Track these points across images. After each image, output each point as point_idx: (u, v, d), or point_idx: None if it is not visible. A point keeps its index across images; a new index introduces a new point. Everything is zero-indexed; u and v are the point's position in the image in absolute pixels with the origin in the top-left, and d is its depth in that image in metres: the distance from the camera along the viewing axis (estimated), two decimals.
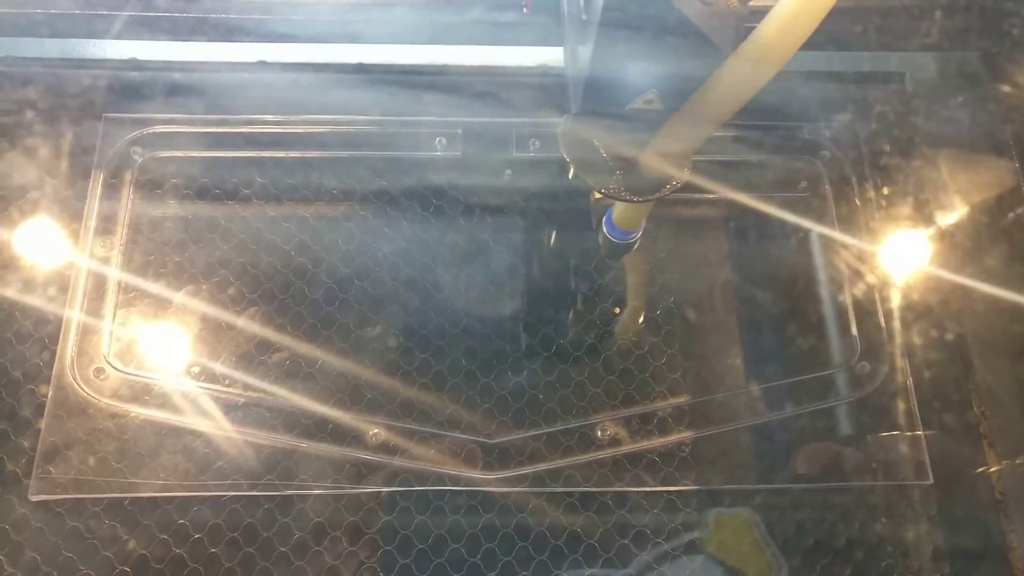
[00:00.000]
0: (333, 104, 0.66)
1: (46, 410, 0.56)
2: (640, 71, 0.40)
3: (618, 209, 0.55)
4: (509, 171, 0.66)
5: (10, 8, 0.64)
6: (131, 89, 0.66)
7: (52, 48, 0.65)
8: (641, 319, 0.62)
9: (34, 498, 0.54)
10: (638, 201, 0.48)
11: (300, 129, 0.66)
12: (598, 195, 0.56)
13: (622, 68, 0.40)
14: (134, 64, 0.65)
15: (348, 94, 0.66)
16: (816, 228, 0.65)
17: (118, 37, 0.64)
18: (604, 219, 0.56)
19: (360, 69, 0.66)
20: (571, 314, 0.62)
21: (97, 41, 0.65)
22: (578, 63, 0.42)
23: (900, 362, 0.60)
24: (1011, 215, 0.60)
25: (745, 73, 0.38)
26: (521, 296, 0.63)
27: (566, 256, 0.65)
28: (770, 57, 0.37)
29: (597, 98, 0.42)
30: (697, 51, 0.38)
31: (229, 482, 0.55)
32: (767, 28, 0.36)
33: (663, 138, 0.44)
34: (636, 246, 0.58)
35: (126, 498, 0.54)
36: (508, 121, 0.66)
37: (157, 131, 0.65)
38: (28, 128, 0.64)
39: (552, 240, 0.66)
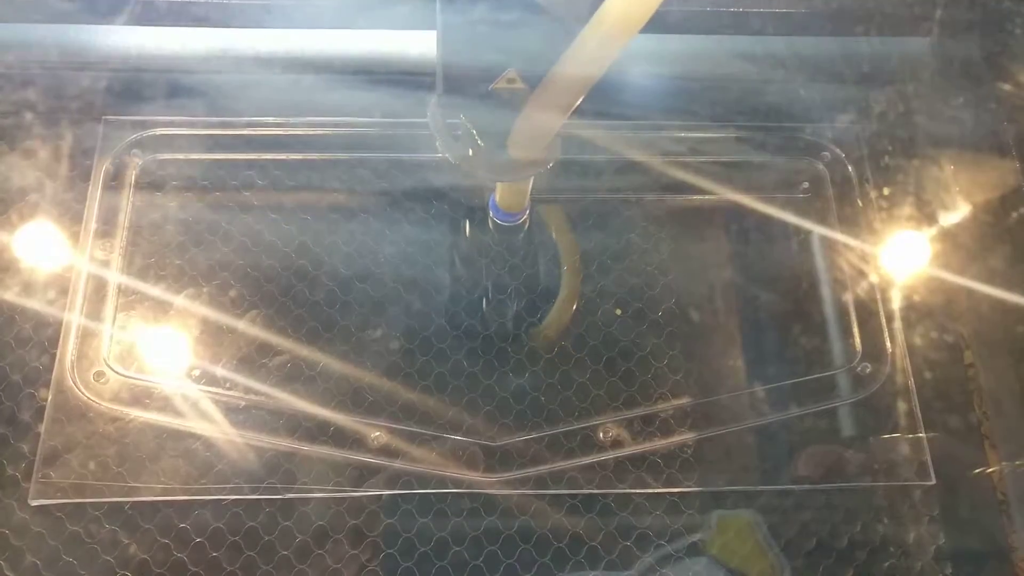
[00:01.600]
0: (334, 106, 0.66)
1: (46, 414, 0.55)
2: (494, 50, 0.40)
3: (499, 191, 0.54)
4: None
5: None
6: (131, 91, 0.65)
7: (52, 49, 0.65)
8: (573, 308, 0.62)
9: (34, 502, 0.53)
10: (508, 180, 0.48)
11: (301, 131, 0.66)
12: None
13: (476, 47, 0.40)
14: (134, 66, 0.65)
15: (349, 95, 0.66)
16: (817, 229, 0.65)
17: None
18: (490, 200, 0.56)
19: (361, 70, 0.66)
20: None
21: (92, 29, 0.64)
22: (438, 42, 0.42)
23: (902, 363, 0.60)
24: (1014, 215, 0.60)
25: (594, 50, 0.38)
26: (521, 297, 0.62)
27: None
28: (617, 33, 0.36)
29: (459, 78, 0.42)
30: (548, 28, 0.37)
31: (230, 486, 0.55)
32: (613, 4, 0.36)
33: (524, 119, 0.44)
34: (526, 227, 0.58)
35: (127, 502, 0.54)
36: None
37: (157, 133, 0.64)
38: (27, 130, 0.64)
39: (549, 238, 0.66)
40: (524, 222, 0.57)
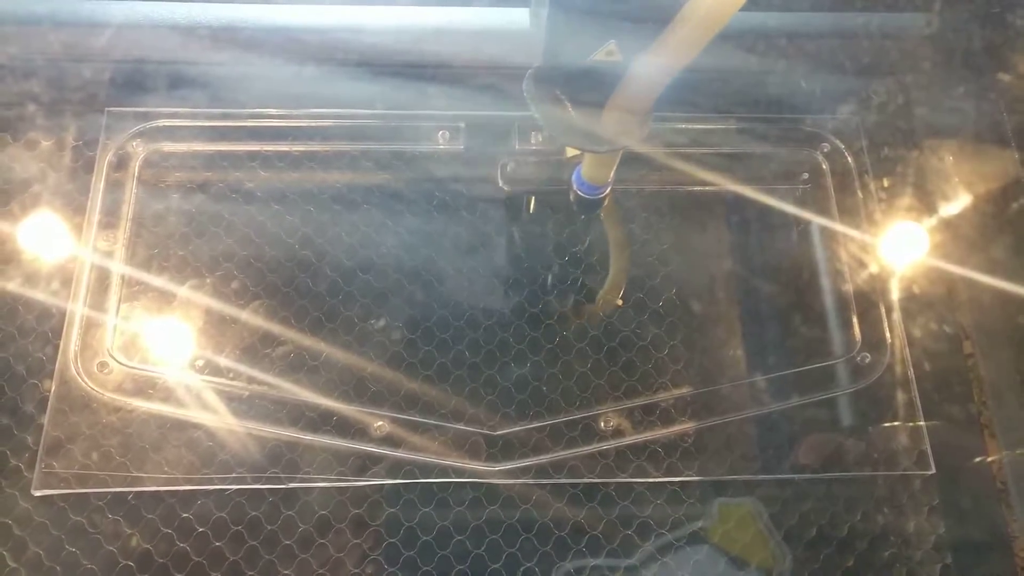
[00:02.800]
0: (335, 97, 0.66)
1: (49, 404, 0.55)
2: (598, 22, 0.40)
3: (586, 163, 0.55)
4: (511, 163, 0.66)
5: None
6: (133, 82, 0.65)
7: (55, 40, 0.65)
8: (623, 287, 0.62)
9: (37, 493, 0.53)
10: (603, 152, 0.49)
11: (303, 123, 0.66)
12: (572, 152, 0.57)
13: (580, 20, 0.40)
14: (135, 56, 0.65)
15: (351, 87, 0.66)
16: (817, 219, 0.65)
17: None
18: (573, 175, 0.57)
19: (361, 62, 0.66)
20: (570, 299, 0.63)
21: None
22: (539, 16, 0.43)
23: (901, 353, 0.61)
24: (1014, 206, 0.60)
25: (694, 26, 0.39)
26: (523, 287, 0.63)
27: (567, 245, 0.65)
28: (719, 8, 0.37)
29: (558, 51, 0.43)
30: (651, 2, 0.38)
31: (233, 475, 0.55)
32: None
33: (622, 91, 0.44)
34: (606, 202, 0.58)
35: (130, 492, 0.54)
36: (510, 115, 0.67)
37: (160, 125, 0.64)
38: (30, 122, 0.64)
39: (550, 229, 0.66)
40: (605, 197, 0.58)
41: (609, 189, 0.57)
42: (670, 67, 0.42)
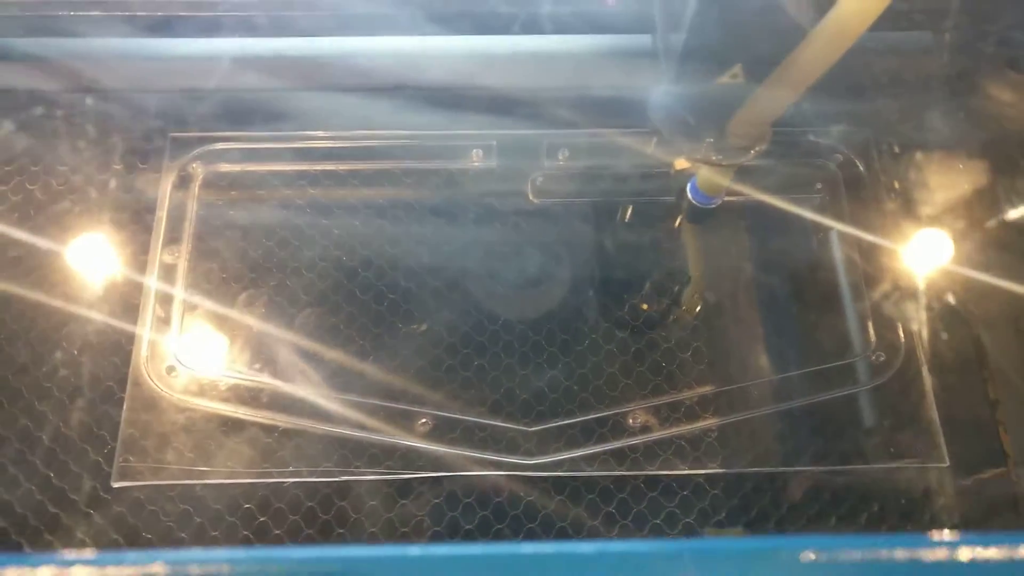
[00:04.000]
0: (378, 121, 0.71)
1: (124, 405, 0.61)
2: (729, 49, 0.46)
3: (703, 176, 0.61)
4: (540, 178, 0.71)
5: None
6: (194, 110, 0.71)
7: (125, 75, 0.71)
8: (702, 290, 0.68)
9: (116, 485, 0.59)
10: (727, 165, 0.54)
11: (347, 144, 0.71)
12: (681, 165, 0.62)
13: (713, 47, 0.46)
14: (196, 90, 0.71)
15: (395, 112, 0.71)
16: (833, 226, 0.69)
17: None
18: (689, 185, 0.63)
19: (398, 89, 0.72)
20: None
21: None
22: (670, 44, 0.48)
23: (915, 351, 0.64)
24: (1012, 213, 0.63)
25: (821, 49, 0.44)
26: (556, 293, 0.67)
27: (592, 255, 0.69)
28: (847, 31, 0.42)
29: (689, 73, 0.48)
30: (782, 29, 0.43)
31: (290, 469, 0.60)
32: (845, 5, 0.42)
33: (751, 107, 0.50)
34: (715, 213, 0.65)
35: (197, 484, 0.59)
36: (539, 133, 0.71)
37: (218, 148, 0.70)
38: (105, 150, 0.70)
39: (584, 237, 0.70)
40: (716, 207, 0.64)
41: (722, 198, 0.63)
42: (795, 89, 0.47)
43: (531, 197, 0.70)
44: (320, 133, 0.71)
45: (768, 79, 0.48)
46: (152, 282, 0.65)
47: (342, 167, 0.71)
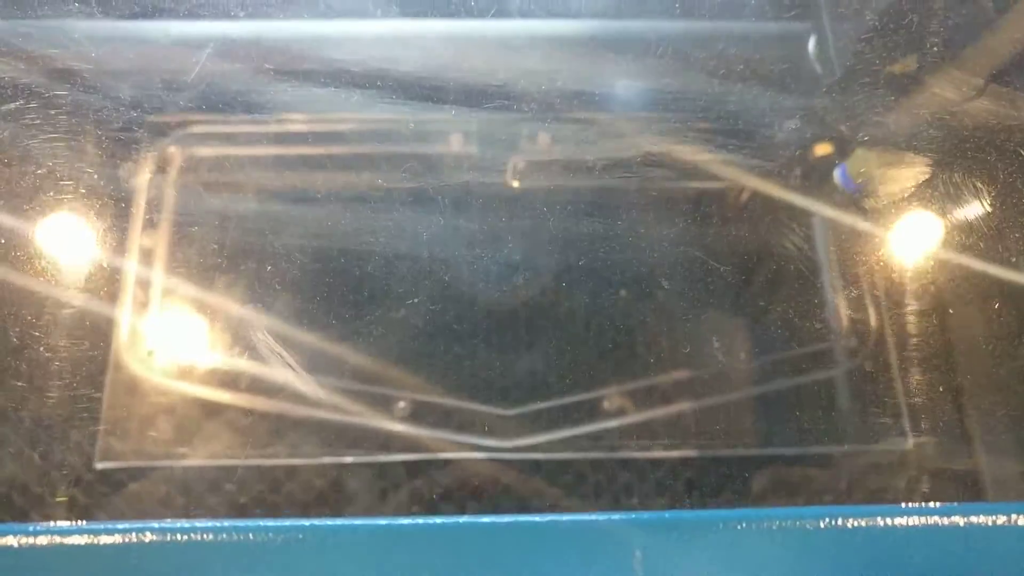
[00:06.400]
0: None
1: (106, 388, 0.62)
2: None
3: (854, 162, 0.64)
4: (521, 163, 0.71)
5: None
6: (172, 93, 0.71)
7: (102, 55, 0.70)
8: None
9: (99, 466, 0.60)
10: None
11: (327, 127, 0.71)
12: (819, 152, 0.63)
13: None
14: (175, 71, 0.71)
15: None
16: (805, 210, 0.70)
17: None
18: (838, 172, 0.65)
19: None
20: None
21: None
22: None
23: (883, 335, 0.65)
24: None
25: None
26: (533, 278, 0.68)
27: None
28: None
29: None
30: None
31: (270, 450, 0.61)
32: None
33: None
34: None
35: (178, 465, 0.61)
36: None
37: (196, 131, 0.70)
38: (76, 130, 0.70)
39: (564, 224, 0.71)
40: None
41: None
42: None
43: (511, 181, 0.71)
44: (298, 116, 0.71)
45: None
46: (130, 267, 0.65)
47: (320, 151, 0.71)
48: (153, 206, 0.68)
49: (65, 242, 0.67)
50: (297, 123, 0.71)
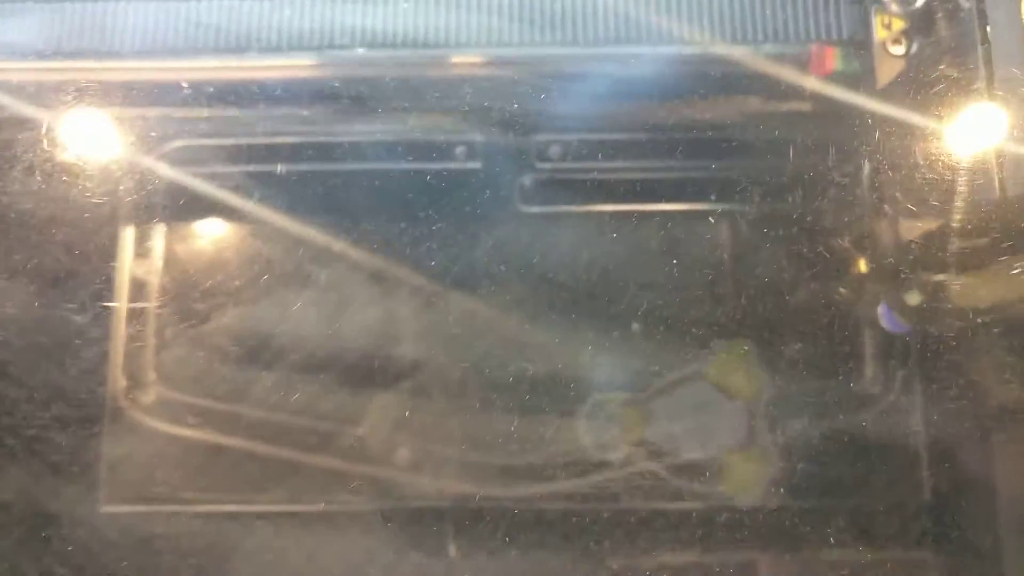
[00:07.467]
0: None
1: (104, 431, 0.61)
2: None
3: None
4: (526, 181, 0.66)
5: None
6: (162, 108, 0.65)
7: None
8: None
9: (104, 510, 0.60)
10: None
11: (322, 139, 0.66)
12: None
13: None
14: (167, 84, 0.65)
15: None
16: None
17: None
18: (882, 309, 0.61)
19: None
20: None
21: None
22: None
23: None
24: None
25: None
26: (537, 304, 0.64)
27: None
28: None
29: None
30: None
31: (268, 495, 0.61)
32: None
33: None
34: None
35: (179, 510, 0.60)
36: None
37: (186, 145, 0.65)
38: (64, 153, 0.65)
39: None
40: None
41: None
42: None
43: (518, 202, 0.66)
44: (294, 128, 0.65)
45: None
46: (123, 300, 0.63)
47: (315, 168, 0.66)
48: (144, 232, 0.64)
49: (54, 272, 0.64)
50: (293, 135, 0.66)
